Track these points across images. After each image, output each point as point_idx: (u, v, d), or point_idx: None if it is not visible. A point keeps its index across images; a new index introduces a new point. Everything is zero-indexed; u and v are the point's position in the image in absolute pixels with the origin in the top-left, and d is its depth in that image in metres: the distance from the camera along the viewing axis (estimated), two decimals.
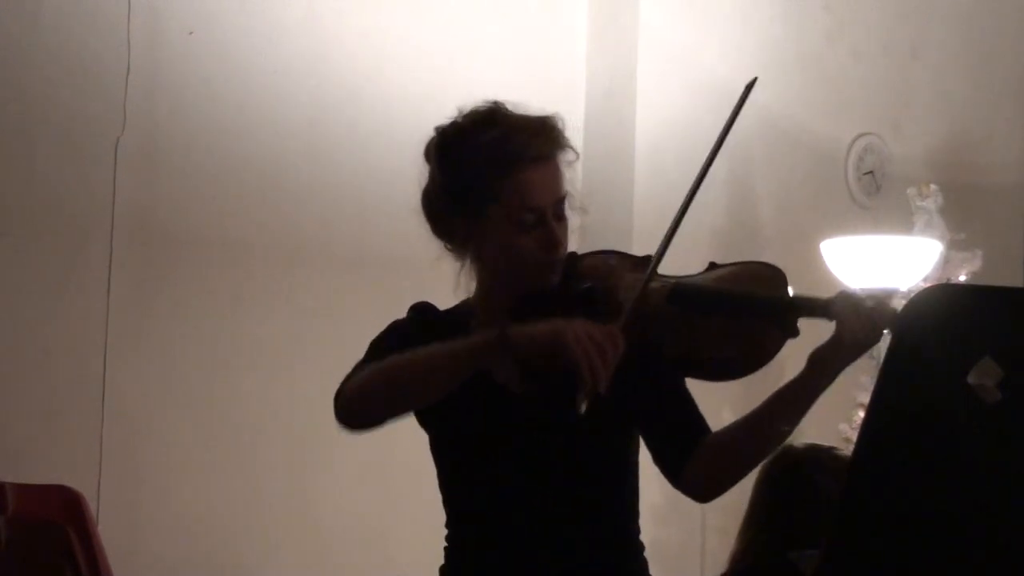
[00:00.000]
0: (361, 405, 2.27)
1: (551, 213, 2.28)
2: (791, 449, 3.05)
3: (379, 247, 4.90)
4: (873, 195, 5.83)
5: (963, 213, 5.61)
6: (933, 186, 5.49)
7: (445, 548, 2.41)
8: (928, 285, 5.02)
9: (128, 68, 4.57)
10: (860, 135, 5.82)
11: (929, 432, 1.81)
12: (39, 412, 4.41)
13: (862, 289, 2.24)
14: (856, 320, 2.13)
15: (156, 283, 4.62)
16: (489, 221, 2.28)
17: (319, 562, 4.71)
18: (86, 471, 4.38)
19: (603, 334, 2.08)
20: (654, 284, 2.26)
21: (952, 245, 5.44)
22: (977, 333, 1.80)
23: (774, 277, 2.29)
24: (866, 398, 3.15)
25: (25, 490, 3.76)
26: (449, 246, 2.35)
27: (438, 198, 2.34)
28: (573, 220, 2.35)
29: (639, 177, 5.23)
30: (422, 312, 2.41)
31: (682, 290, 2.26)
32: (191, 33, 4.69)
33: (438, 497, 2.41)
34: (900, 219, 5.54)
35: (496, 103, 2.33)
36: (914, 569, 1.83)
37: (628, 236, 5.09)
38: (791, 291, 2.26)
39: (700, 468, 2.30)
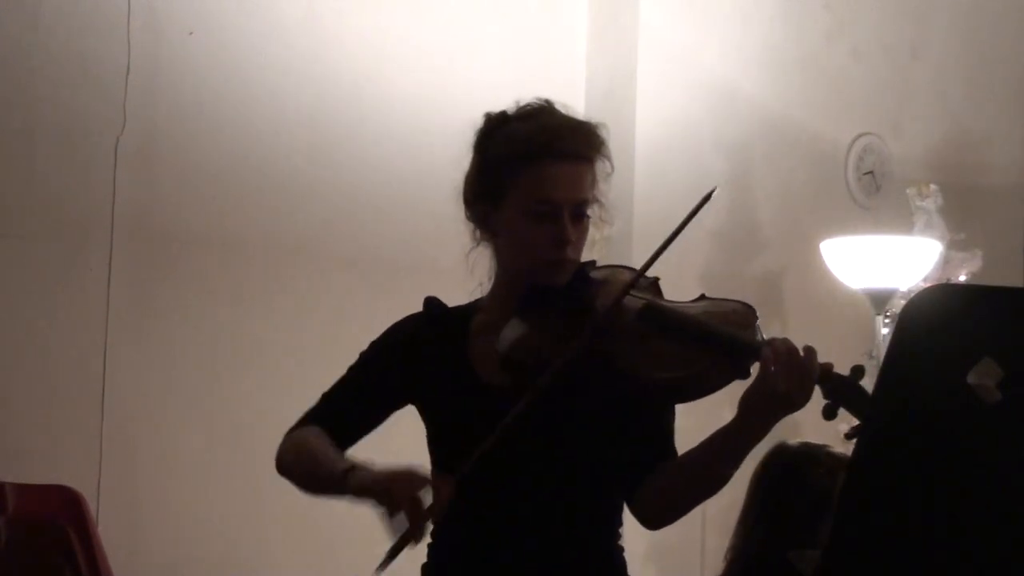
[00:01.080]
0: (282, 471, 2.50)
1: (568, 212, 2.30)
2: (786, 447, 3.05)
3: (379, 247, 4.90)
4: (873, 195, 5.83)
5: (963, 213, 5.62)
6: (933, 186, 5.50)
7: (429, 545, 2.42)
8: (928, 285, 5.02)
9: (128, 68, 4.57)
10: (860, 135, 5.82)
11: (929, 432, 1.81)
12: (39, 412, 4.41)
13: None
14: (780, 371, 2.14)
15: (156, 283, 4.62)
16: (507, 207, 2.32)
17: (319, 562, 4.71)
18: (86, 471, 4.38)
19: (414, 491, 2.13)
20: (633, 300, 2.28)
21: (952, 245, 5.45)
22: (977, 333, 1.80)
23: (744, 317, 2.28)
24: None
25: (25, 490, 3.75)
26: (474, 231, 2.40)
27: (470, 181, 2.39)
28: (596, 231, 2.37)
29: (639, 177, 5.23)
30: (432, 309, 2.46)
31: (651, 309, 2.27)
32: (191, 33, 4.69)
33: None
34: (900, 219, 5.54)
35: (548, 101, 2.39)
36: (914, 569, 1.83)
37: (628, 237, 5.09)
38: (759, 333, 2.26)
39: (648, 496, 2.35)
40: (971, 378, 1.77)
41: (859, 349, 5.27)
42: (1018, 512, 1.81)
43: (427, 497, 2.15)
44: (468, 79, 5.02)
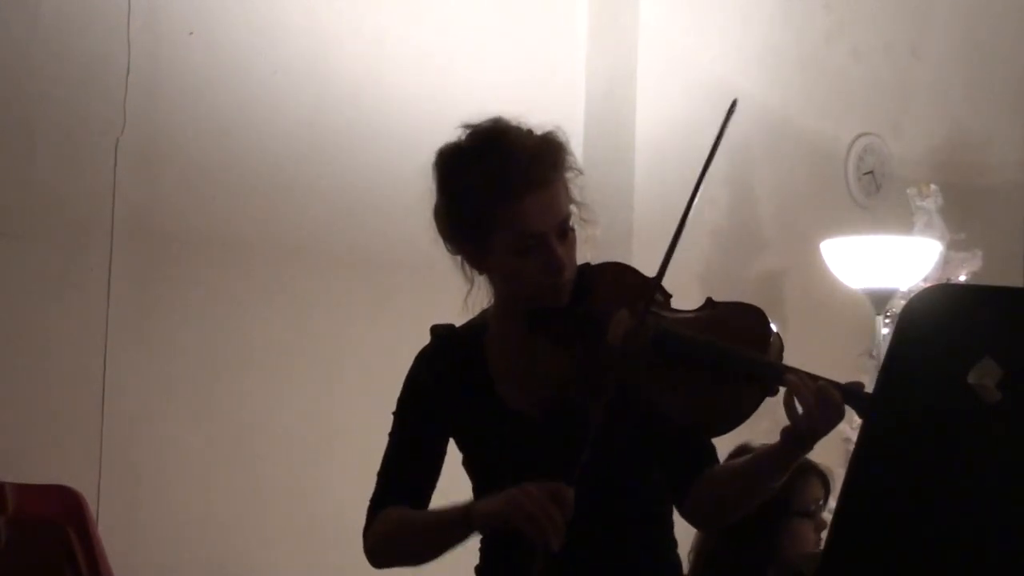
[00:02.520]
0: (383, 560, 2.46)
1: (553, 235, 2.28)
2: (746, 449, 3.06)
3: (379, 247, 4.90)
4: (873, 195, 5.83)
5: (963, 213, 5.62)
6: (933, 186, 5.50)
7: (480, 549, 2.45)
8: (928, 285, 5.02)
9: (128, 68, 4.57)
10: (860, 135, 5.82)
11: (929, 432, 1.81)
12: (39, 412, 4.41)
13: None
14: (807, 405, 2.15)
15: (156, 283, 4.62)
16: (492, 248, 2.30)
17: (319, 562, 4.71)
18: (86, 471, 4.38)
19: (550, 498, 2.14)
20: (639, 310, 2.26)
21: (952, 245, 5.45)
22: (977, 333, 1.80)
23: (758, 328, 2.28)
24: None
25: (25, 490, 3.75)
26: (463, 266, 2.38)
27: (444, 220, 2.36)
28: (583, 231, 2.35)
29: (639, 177, 5.23)
30: (442, 339, 2.46)
31: (665, 337, 2.26)
32: (191, 33, 4.69)
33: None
34: (900, 219, 5.54)
35: (497, 122, 2.33)
36: (914, 569, 1.83)
37: (628, 237, 5.10)
38: (773, 332, 2.27)
39: (699, 501, 2.37)
40: (971, 378, 1.77)
41: (859, 349, 5.28)
42: (1018, 512, 1.81)
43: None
44: (468, 79, 5.02)
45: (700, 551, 3.22)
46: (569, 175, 2.33)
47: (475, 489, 2.44)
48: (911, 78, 5.95)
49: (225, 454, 4.66)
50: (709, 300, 2.37)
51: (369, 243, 4.92)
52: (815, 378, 2.19)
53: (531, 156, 2.28)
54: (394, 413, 2.48)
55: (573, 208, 2.33)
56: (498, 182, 2.26)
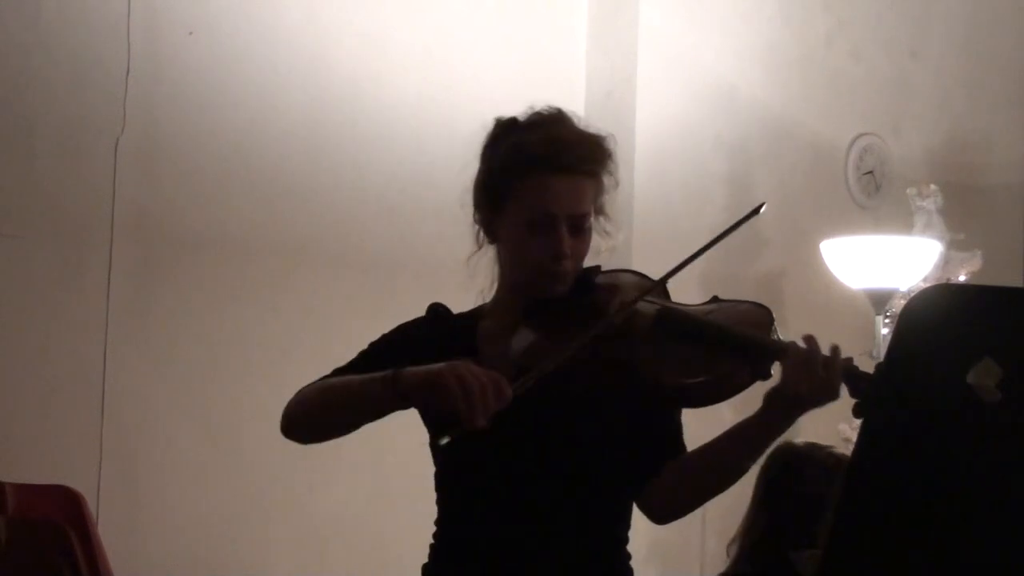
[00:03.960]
0: (295, 424, 2.44)
1: (565, 224, 2.30)
2: (790, 447, 3.06)
3: (379, 247, 4.90)
4: (873, 195, 5.84)
5: (963, 213, 5.62)
6: (933, 186, 5.50)
7: (431, 546, 2.42)
8: (928, 285, 5.02)
9: (128, 68, 4.57)
10: (860, 135, 5.82)
11: (929, 432, 1.81)
12: (39, 412, 4.41)
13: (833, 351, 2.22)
14: (802, 375, 2.15)
15: (156, 283, 4.62)
16: (507, 215, 2.33)
17: (318, 561, 4.71)
18: (86, 471, 4.38)
19: (487, 379, 2.09)
20: (646, 305, 2.28)
21: (952, 245, 5.45)
22: (977, 333, 1.80)
23: (760, 320, 2.28)
24: None
25: (25, 490, 3.75)
26: (478, 234, 2.40)
27: (476, 185, 2.40)
28: (600, 241, 2.37)
29: (639, 177, 5.23)
30: (434, 313, 2.46)
31: (668, 315, 2.28)
32: (191, 33, 4.69)
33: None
34: (900, 219, 5.54)
35: (561, 111, 2.39)
36: (914, 569, 1.83)
37: (628, 236, 5.09)
38: (776, 334, 2.27)
39: (659, 491, 2.35)
40: (971, 378, 1.77)
41: (859, 349, 5.28)
42: (1018, 512, 1.81)
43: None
44: (468, 79, 5.02)
45: (739, 544, 3.18)
46: (604, 180, 2.35)
47: (438, 471, 2.41)
48: (911, 78, 5.95)
49: (225, 454, 4.66)
50: (715, 297, 2.39)
51: (369, 243, 4.92)
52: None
53: (576, 142, 2.33)
54: (371, 343, 2.46)
55: (599, 216, 2.35)
56: (536, 152, 2.30)
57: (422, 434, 2.43)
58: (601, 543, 2.38)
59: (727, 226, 2.35)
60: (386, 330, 2.49)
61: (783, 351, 2.20)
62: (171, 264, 4.64)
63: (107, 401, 4.51)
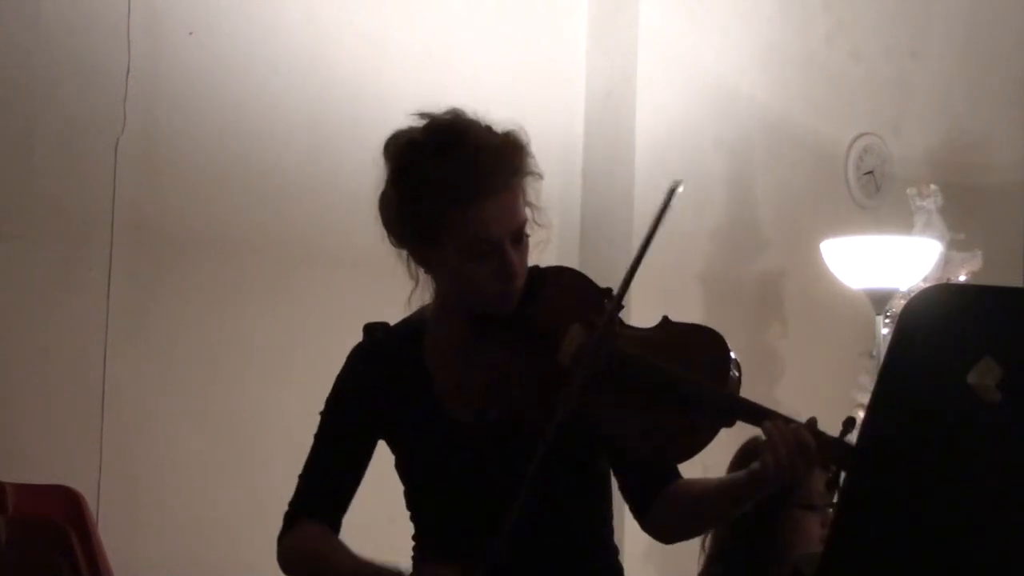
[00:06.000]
0: (291, 574, 2.43)
1: (508, 241, 2.20)
2: (758, 442, 3.06)
3: (379, 247, 4.88)
4: (873, 195, 5.83)
5: (963, 213, 5.61)
6: (933, 186, 5.50)
7: (413, 559, 2.41)
8: (928, 285, 5.02)
9: (128, 68, 4.57)
10: (860, 135, 5.82)
11: (929, 432, 1.81)
12: (39, 412, 4.41)
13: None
14: (778, 457, 2.10)
15: (156, 283, 4.62)
16: (443, 250, 2.23)
17: None
18: (86, 471, 4.38)
19: None
20: (593, 327, 2.19)
21: (952, 245, 5.45)
22: (977, 333, 1.80)
23: (718, 358, 2.20)
24: (866, 398, 3.16)
25: (25, 490, 3.75)
26: (408, 264, 2.33)
27: (393, 214, 2.29)
28: (536, 234, 2.26)
29: (639, 178, 5.23)
30: (375, 338, 2.40)
31: (619, 364, 2.18)
32: (191, 33, 4.69)
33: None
34: (900, 219, 5.54)
35: (456, 116, 2.24)
36: (914, 569, 1.83)
37: (628, 238, 5.09)
38: (734, 369, 2.20)
39: (662, 517, 2.32)
40: (971, 378, 1.77)
41: (859, 349, 5.28)
42: (1018, 512, 1.81)
43: None
44: (468, 79, 5.01)
45: (710, 547, 3.22)
46: (528, 179, 2.24)
47: (407, 493, 2.38)
48: (911, 78, 5.95)
49: (225, 454, 4.66)
50: (665, 319, 2.28)
51: (369, 243, 4.90)
52: (789, 422, 2.12)
53: (493, 160, 2.18)
54: (321, 413, 2.40)
55: (529, 211, 2.24)
56: (455, 187, 2.16)
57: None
58: (584, 544, 2.35)
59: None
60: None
61: (757, 418, 2.14)
62: (171, 264, 4.64)
63: (107, 401, 4.51)
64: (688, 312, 2.38)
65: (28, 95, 4.46)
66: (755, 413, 2.16)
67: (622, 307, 2.20)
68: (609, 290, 2.24)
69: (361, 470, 2.39)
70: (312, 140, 4.87)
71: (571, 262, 2.37)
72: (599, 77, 5.41)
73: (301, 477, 2.42)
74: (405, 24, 5.06)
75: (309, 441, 4.82)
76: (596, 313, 2.20)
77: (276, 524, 2.48)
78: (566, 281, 2.30)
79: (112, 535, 4.04)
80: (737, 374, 2.20)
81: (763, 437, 2.14)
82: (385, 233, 2.33)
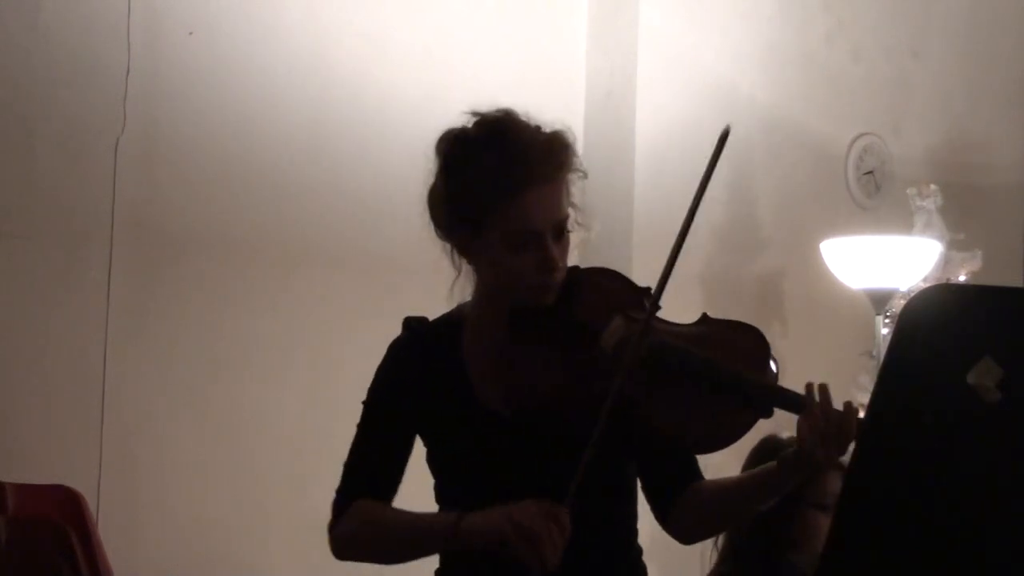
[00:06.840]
0: (351, 555, 2.42)
1: (550, 235, 2.26)
2: (776, 441, 3.06)
3: (379, 247, 4.90)
4: (873, 195, 5.83)
5: (963, 213, 5.62)
6: (933, 186, 5.50)
7: (440, 556, 2.40)
8: (928, 285, 5.02)
9: (128, 68, 4.57)
10: (860, 135, 5.82)
11: (929, 432, 1.81)
12: (39, 412, 4.41)
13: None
14: (819, 439, 2.16)
15: (156, 283, 4.62)
16: (486, 238, 2.27)
17: (318, 562, 4.70)
18: (86, 471, 4.38)
19: (547, 520, 2.12)
20: (635, 323, 2.23)
21: (952, 245, 5.45)
22: (977, 333, 1.80)
23: (757, 349, 2.26)
24: (866, 398, 3.15)
25: (25, 490, 3.76)
26: (452, 254, 2.35)
27: (440, 204, 2.33)
28: (576, 235, 2.33)
29: (639, 177, 5.23)
30: (415, 331, 2.42)
31: (660, 354, 2.22)
32: (191, 33, 4.69)
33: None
34: (900, 219, 5.54)
35: (507, 114, 2.31)
36: (914, 569, 1.83)
37: (628, 237, 5.09)
38: (773, 363, 2.25)
39: (683, 516, 2.38)
40: (971, 378, 1.77)
41: (859, 349, 5.28)
42: (1018, 512, 1.81)
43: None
44: (468, 79, 5.01)
45: (723, 546, 3.21)
46: (572, 176, 2.31)
47: (438, 487, 2.40)
48: (911, 78, 5.95)
49: (225, 454, 4.66)
50: (704, 316, 2.34)
51: (369, 243, 4.92)
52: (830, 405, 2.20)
53: (539, 153, 2.26)
54: (364, 403, 2.43)
55: (571, 210, 2.30)
56: (503, 175, 2.23)
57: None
58: (612, 545, 2.38)
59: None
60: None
61: (802, 405, 2.19)
62: (171, 264, 4.64)
63: (107, 401, 4.51)
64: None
65: (28, 95, 4.46)
66: (795, 401, 2.20)
67: (659, 306, 2.25)
68: (648, 289, 2.29)
69: (405, 458, 2.41)
70: (312, 140, 4.87)
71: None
72: (599, 77, 5.42)
73: (347, 467, 2.45)
74: (405, 24, 5.06)
75: (309, 441, 4.85)
76: (636, 310, 2.25)
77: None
78: (606, 279, 2.36)
79: (112, 535, 4.04)
80: (776, 367, 2.25)
81: (778, 435, 2.16)
82: (432, 226, 2.36)
